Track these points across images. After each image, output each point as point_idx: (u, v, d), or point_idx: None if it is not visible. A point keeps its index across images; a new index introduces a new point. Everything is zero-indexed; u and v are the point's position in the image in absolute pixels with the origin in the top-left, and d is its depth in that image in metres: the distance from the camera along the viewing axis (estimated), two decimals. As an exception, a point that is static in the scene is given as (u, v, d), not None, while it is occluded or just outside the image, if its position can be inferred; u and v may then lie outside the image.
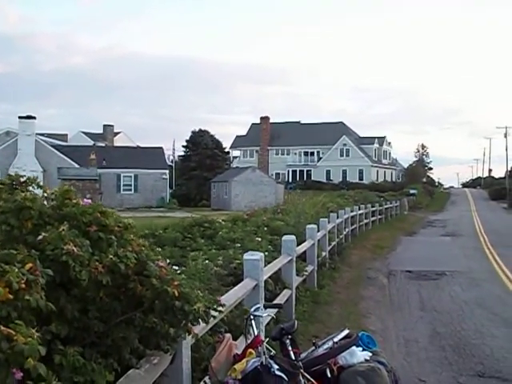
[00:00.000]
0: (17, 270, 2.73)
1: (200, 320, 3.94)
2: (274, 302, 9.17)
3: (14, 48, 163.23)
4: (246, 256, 7.78)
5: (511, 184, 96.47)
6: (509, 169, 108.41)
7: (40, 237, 3.33)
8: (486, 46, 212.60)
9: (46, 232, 3.34)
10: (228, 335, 5.45)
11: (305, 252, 13.95)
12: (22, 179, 3.85)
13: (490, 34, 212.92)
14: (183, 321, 3.86)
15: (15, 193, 3.61)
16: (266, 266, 8.83)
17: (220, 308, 4.43)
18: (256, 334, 5.50)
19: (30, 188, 3.87)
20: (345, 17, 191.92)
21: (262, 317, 5.97)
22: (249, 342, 5.48)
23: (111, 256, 3.45)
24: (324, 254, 17.18)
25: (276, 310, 7.79)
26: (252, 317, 5.74)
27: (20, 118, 60.43)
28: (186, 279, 4.11)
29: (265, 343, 5.31)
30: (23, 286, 2.70)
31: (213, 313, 4.27)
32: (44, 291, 2.86)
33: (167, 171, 71.50)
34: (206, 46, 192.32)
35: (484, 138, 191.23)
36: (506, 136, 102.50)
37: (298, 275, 12.15)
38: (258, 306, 6.04)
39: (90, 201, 3.77)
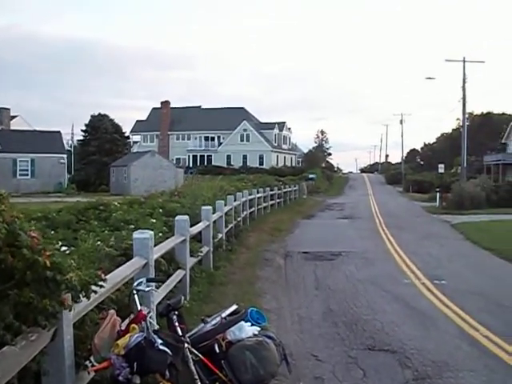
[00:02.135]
0: None
1: (74, 292, 3.87)
2: (167, 282, 9.18)
3: None
4: (136, 234, 7.70)
5: (406, 169, 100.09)
6: (404, 154, 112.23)
7: None
8: (382, 33, 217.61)
9: None
10: (112, 311, 5.38)
11: (200, 233, 13.96)
12: None
13: (384, 20, 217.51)
14: (55, 291, 3.79)
15: None
16: (158, 245, 8.80)
17: (101, 283, 4.37)
18: (139, 309, 5.47)
19: None
20: (245, 3, 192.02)
21: (144, 291, 5.92)
22: (132, 317, 5.45)
23: (-21, 226, 3.35)
24: (220, 235, 17.22)
25: (159, 284, 7.79)
26: (135, 292, 5.70)
27: None
28: (58, 250, 4.02)
29: (148, 317, 5.29)
30: None
31: (94, 288, 4.20)
32: None
33: (65, 156, 69.94)
34: (107, 29, 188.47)
35: (381, 125, 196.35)
36: (401, 123, 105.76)
37: (192, 256, 12.13)
38: (141, 280, 5.98)
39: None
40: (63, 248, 5.82)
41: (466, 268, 17.59)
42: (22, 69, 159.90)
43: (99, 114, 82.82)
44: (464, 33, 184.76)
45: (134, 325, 5.20)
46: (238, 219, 22.83)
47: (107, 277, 5.19)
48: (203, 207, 14.96)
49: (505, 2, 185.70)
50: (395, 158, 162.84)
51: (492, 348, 9.20)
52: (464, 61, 50.75)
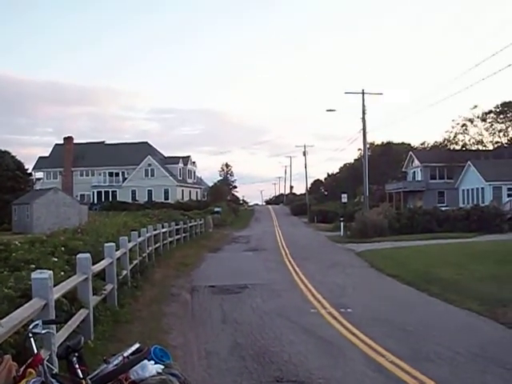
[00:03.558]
0: None
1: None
2: (69, 322, 8.93)
3: None
4: (35, 275, 7.47)
5: (311, 200, 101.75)
6: (309, 185, 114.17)
7: None
8: (283, 68, 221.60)
9: None
10: (7, 356, 5.18)
11: (104, 271, 13.68)
12: None
13: (285, 54, 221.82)
14: None
15: None
16: (59, 284, 8.57)
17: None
18: (35, 352, 5.26)
19: None
20: (144, 41, 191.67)
21: (41, 333, 5.71)
22: (29, 361, 5.25)
23: None
24: (125, 272, 16.91)
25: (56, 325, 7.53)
26: (30, 334, 5.49)
27: None
28: None
29: (45, 361, 5.10)
30: None
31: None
32: None
33: (-38, 194, 67.62)
34: (5, 62, 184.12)
35: (285, 157, 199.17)
36: (304, 154, 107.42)
37: (95, 294, 11.84)
38: (37, 323, 5.75)
39: None
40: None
41: (371, 295, 17.93)
42: None
43: (0, 151, 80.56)
44: (364, 65, 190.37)
45: (30, 369, 5.02)
46: (143, 255, 22.52)
47: (4, 320, 5.00)
48: (106, 244, 14.67)
49: (402, 38, 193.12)
50: (300, 189, 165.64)
51: (398, 373, 9.37)
52: (363, 93, 52.19)
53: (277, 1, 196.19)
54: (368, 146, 62.34)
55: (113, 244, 14.83)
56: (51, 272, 7.68)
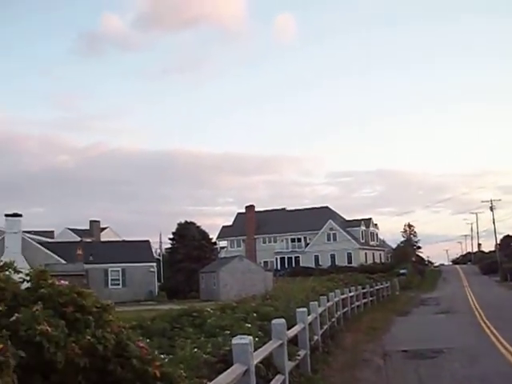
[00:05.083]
0: (-14, 350, 2.59)
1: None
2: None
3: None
4: (235, 340, 7.56)
5: (502, 257, 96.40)
6: (498, 242, 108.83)
7: (13, 318, 3.20)
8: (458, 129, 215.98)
9: (20, 313, 3.22)
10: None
11: (296, 336, 13.68)
12: (-1, 264, 3.75)
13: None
14: (167, 402, 3.69)
15: (-11, 275, 3.50)
16: (256, 350, 8.62)
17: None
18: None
19: (7, 273, 3.76)
20: (312, 105, 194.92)
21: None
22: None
23: (89, 337, 3.31)
24: (316, 337, 16.86)
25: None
26: None
27: (6, 216, 60.39)
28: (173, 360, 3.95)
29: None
30: (-8, 367, 2.55)
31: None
32: (16, 375, 2.71)
33: (155, 264, 71.13)
34: (186, 139, 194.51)
35: (470, 213, 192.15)
36: (492, 210, 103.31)
37: (290, 360, 11.84)
38: None
39: (66, 282, 3.66)
40: (161, 356, 5.76)
41: None
42: (107, 183, 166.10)
43: (186, 222, 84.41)
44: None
45: None
46: (332, 320, 22.39)
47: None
48: (298, 309, 14.72)
49: None
50: (488, 246, 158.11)
51: None
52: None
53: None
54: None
55: (305, 309, 14.86)
56: (251, 337, 7.74)
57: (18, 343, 2.97)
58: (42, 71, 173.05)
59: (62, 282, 3.71)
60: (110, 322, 3.66)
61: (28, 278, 3.74)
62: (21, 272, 4.00)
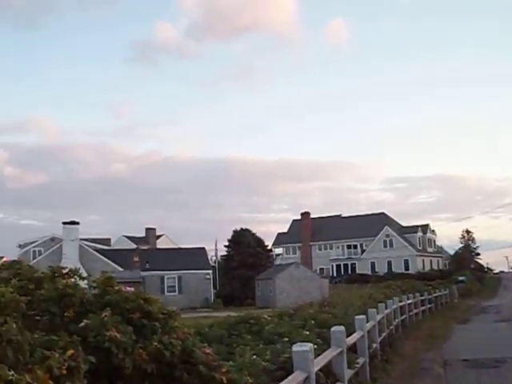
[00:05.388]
0: (58, 355, 2.61)
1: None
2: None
3: (55, 159, 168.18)
4: (295, 348, 7.53)
5: None
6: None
7: (82, 324, 3.24)
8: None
9: (88, 319, 3.25)
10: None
11: (355, 344, 13.57)
12: (64, 270, 3.81)
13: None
14: (234, 409, 3.69)
15: (56, 280, 3.55)
16: (315, 358, 8.57)
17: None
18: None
19: (72, 280, 3.82)
20: (373, 107, 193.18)
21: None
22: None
23: (156, 343, 3.33)
24: (375, 345, 16.68)
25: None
26: None
27: (64, 223, 61.64)
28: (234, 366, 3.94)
29: None
30: (64, 372, 2.57)
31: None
32: (86, 380, 2.73)
33: (210, 271, 71.50)
34: (239, 146, 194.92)
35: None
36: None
37: (349, 368, 11.75)
38: None
39: (132, 288, 3.70)
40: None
41: None
42: (162, 191, 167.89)
43: (241, 229, 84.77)
44: None
45: None
46: (391, 327, 22.13)
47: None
48: (357, 316, 14.61)
49: None
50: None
51: None
52: None
53: None
54: None
55: (363, 316, 14.74)
56: (311, 345, 7.71)
57: (86, 349, 3.00)
58: (96, 81, 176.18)
59: (128, 288, 3.74)
60: (175, 328, 3.69)
61: (94, 285, 3.78)
62: (85, 279, 4.05)
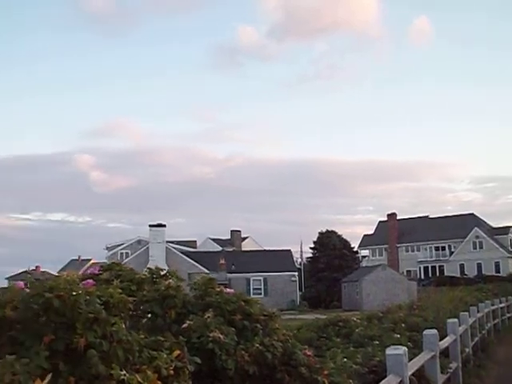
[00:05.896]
0: (165, 356, 2.63)
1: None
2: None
3: (140, 162, 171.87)
4: (389, 351, 7.41)
5: None
6: None
7: (185, 325, 3.26)
8: None
9: (190, 320, 3.28)
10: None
11: (447, 348, 13.27)
12: (162, 272, 3.86)
13: None
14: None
15: (158, 282, 3.60)
16: (408, 361, 8.41)
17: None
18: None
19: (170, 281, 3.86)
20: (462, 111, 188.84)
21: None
22: None
23: (257, 345, 3.32)
24: (467, 350, 16.28)
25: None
26: None
27: (150, 226, 62.86)
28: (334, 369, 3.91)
29: None
30: (172, 372, 2.59)
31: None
32: (190, 380, 2.75)
33: (296, 273, 71.48)
34: (323, 147, 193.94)
35: None
36: None
37: (442, 373, 11.50)
38: None
39: (232, 290, 3.71)
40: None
41: None
42: (247, 193, 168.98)
43: (327, 231, 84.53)
44: None
45: None
46: (483, 331, 21.56)
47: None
48: (449, 320, 14.31)
49: None
50: None
51: None
52: None
53: None
54: None
55: (456, 320, 14.44)
56: (405, 348, 7.57)
57: (190, 350, 3.02)
58: (181, 85, 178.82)
59: (228, 290, 3.76)
60: (276, 330, 3.68)
61: (195, 287, 3.81)
62: (184, 280, 4.09)
